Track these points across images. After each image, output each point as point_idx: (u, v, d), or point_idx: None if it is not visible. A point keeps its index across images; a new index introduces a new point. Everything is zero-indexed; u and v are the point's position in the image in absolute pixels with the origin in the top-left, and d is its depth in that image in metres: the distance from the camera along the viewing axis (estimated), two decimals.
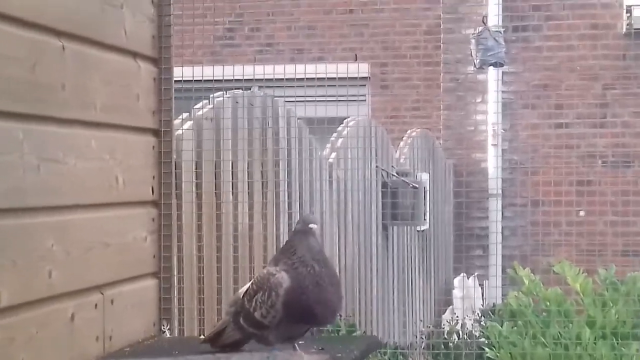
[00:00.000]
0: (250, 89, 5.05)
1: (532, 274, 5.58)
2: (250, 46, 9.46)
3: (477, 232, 8.50)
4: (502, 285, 6.96)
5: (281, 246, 4.83)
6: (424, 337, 6.25)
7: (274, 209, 4.94)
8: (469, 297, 6.92)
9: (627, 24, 8.70)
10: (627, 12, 8.73)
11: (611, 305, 5.37)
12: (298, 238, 2.84)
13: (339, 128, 6.19)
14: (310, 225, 2.84)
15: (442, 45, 9.21)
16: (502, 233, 8.41)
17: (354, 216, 6.12)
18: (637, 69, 8.70)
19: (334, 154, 5.96)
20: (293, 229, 2.93)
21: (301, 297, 2.76)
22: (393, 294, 6.79)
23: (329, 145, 6.05)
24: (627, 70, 8.76)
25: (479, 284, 7.81)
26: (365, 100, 9.26)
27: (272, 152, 5.01)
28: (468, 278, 7.76)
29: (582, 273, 5.58)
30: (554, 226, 7.87)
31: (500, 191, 8.51)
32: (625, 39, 8.78)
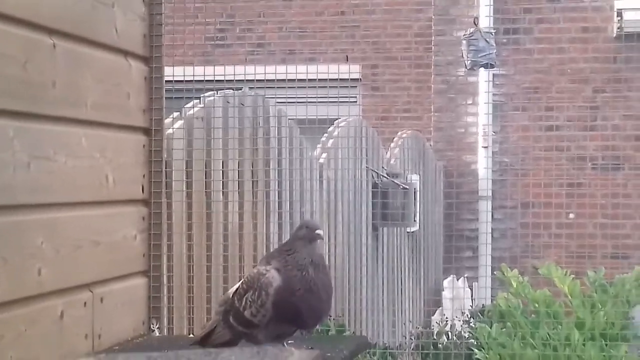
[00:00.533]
0: (241, 90, 5.06)
1: (520, 276, 5.60)
2: (242, 47, 9.45)
3: (467, 234, 8.51)
4: (491, 286, 6.98)
5: (277, 246, 4.86)
6: (413, 338, 6.25)
7: (264, 208, 4.94)
8: (459, 298, 6.92)
9: (618, 27, 8.72)
10: (617, 16, 8.75)
11: (600, 307, 5.38)
12: (301, 243, 2.79)
13: (330, 128, 6.20)
14: (318, 232, 2.79)
15: (433, 47, 9.22)
16: (492, 235, 8.43)
17: (344, 216, 6.13)
18: (627, 72, 8.72)
19: (324, 155, 5.96)
20: (294, 232, 2.85)
21: (290, 299, 2.76)
22: (383, 294, 6.79)
23: (319, 146, 6.05)
24: (617, 74, 8.77)
25: (469, 286, 7.82)
26: (356, 101, 9.27)
27: (262, 151, 5.01)
28: (457, 279, 7.77)
29: (570, 275, 5.60)
30: (544, 228, 7.88)
31: (490, 193, 8.52)
32: (615, 42, 8.80)
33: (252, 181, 4.84)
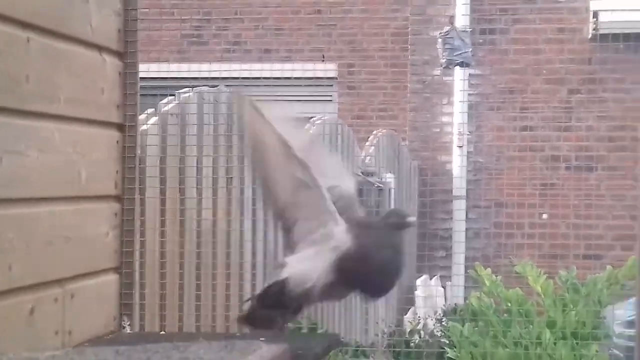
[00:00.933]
0: (216, 87, 5.05)
1: (493, 275, 5.63)
2: (218, 45, 9.45)
3: (441, 234, 8.53)
4: (464, 285, 7.00)
5: (250, 244, 4.83)
6: (385, 337, 6.26)
7: (238, 205, 4.94)
8: (432, 297, 6.94)
9: (594, 29, 8.76)
10: (593, 17, 8.79)
11: (571, 306, 5.42)
12: (388, 228, 2.64)
13: (305, 127, 6.19)
14: (410, 219, 2.67)
15: (409, 46, 9.24)
16: (465, 234, 8.45)
17: None
18: (602, 73, 8.77)
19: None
20: (382, 219, 2.70)
21: (357, 267, 2.60)
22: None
23: None
24: (592, 75, 8.82)
25: (442, 285, 7.84)
26: (332, 100, 9.28)
27: (237, 148, 5.01)
28: (431, 278, 7.79)
29: (544, 274, 5.63)
30: (517, 228, 7.93)
31: (464, 192, 8.55)
32: (591, 43, 8.84)
33: (227, 178, 4.84)
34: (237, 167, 4.96)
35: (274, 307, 2.73)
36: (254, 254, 5.03)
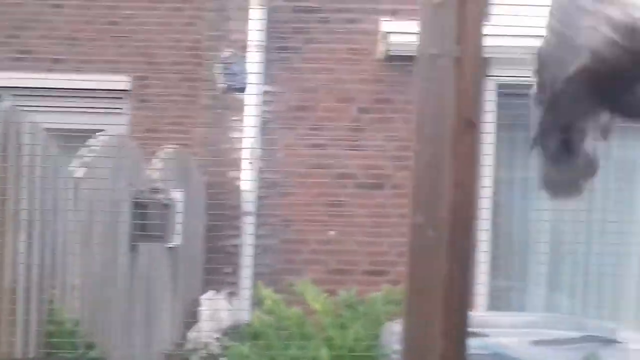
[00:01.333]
0: None
1: (274, 294, 5.70)
2: (5, 53, 9.18)
3: (229, 250, 8.55)
4: (250, 304, 7.04)
5: (25, 267, 4.70)
6: (165, 357, 6.23)
7: (13, 226, 4.82)
8: (216, 316, 6.95)
9: (384, 50, 8.98)
10: (384, 39, 9.01)
11: (349, 325, 5.55)
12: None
13: (89, 142, 6.10)
14: None
15: (203, 62, 9.23)
16: (254, 251, 8.49)
17: (100, 234, 6.04)
18: (391, 94, 8.99)
19: (82, 169, 5.86)
20: None
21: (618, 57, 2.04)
22: (138, 313, 6.72)
23: (77, 160, 5.95)
24: (382, 95, 9.03)
25: (228, 302, 7.86)
26: (123, 113, 9.18)
27: (15, 167, 4.89)
28: (217, 296, 7.79)
29: (325, 293, 5.75)
30: (305, 245, 8.05)
31: (254, 210, 8.60)
32: (381, 64, 9.05)
33: (1, 199, 4.71)
34: (13, 186, 4.84)
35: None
36: (28, 277, 4.91)
